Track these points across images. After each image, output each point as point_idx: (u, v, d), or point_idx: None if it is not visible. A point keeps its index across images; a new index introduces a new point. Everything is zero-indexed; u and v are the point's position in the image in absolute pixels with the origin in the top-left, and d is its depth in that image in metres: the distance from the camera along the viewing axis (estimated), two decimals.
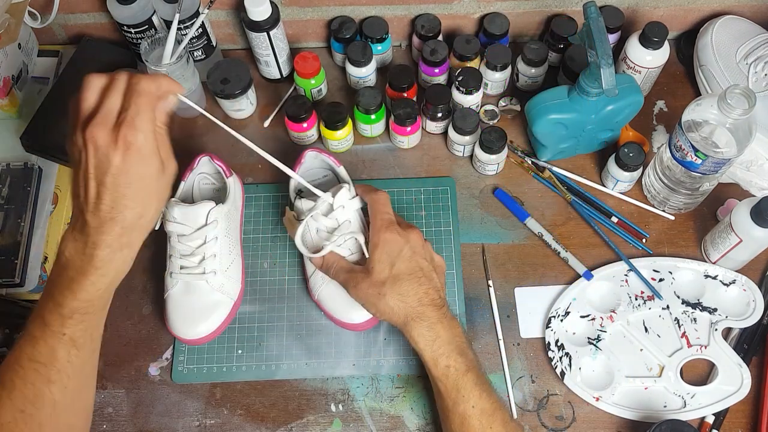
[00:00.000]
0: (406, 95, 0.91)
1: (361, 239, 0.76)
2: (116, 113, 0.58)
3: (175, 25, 0.84)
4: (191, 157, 0.84)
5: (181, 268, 0.79)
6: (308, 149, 0.85)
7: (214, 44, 0.95)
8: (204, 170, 0.87)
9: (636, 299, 0.81)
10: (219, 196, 0.86)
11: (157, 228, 0.80)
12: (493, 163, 0.88)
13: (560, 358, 0.78)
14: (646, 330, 0.80)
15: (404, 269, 0.71)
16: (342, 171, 0.84)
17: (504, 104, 0.95)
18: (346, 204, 0.78)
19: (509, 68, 0.92)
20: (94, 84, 0.60)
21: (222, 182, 0.85)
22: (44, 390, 0.60)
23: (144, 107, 0.59)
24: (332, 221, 0.77)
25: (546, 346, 0.80)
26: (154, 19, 0.89)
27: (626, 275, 0.83)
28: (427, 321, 0.69)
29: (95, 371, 0.67)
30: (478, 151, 0.87)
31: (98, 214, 0.59)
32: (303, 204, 0.78)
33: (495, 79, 0.93)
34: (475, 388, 0.67)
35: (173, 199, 0.80)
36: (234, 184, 0.84)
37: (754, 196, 0.84)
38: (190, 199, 0.85)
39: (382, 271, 0.71)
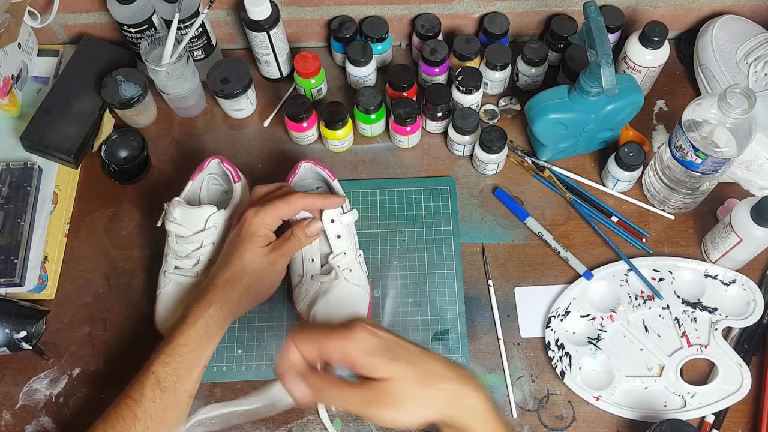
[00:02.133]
0: (406, 95, 0.91)
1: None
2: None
3: (175, 25, 0.84)
4: (193, 157, 0.84)
5: (176, 268, 0.79)
6: (303, 160, 0.82)
7: (214, 44, 0.95)
8: (213, 171, 0.85)
9: (636, 299, 0.81)
10: (227, 198, 0.84)
11: (159, 225, 0.80)
12: (493, 163, 0.88)
13: (560, 357, 0.78)
14: (646, 329, 0.80)
15: None
16: (336, 185, 0.82)
17: (504, 104, 0.95)
18: (335, 218, 0.77)
19: (509, 68, 0.92)
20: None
21: (230, 185, 0.83)
22: (130, 427, 0.65)
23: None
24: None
25: (546, 346, 0.80)
26: (154, 18, 0.89)
27: (626, 275, 0.83)
28: None
29: (179, 424, 0.69)
30: (478, 151, 0.87)
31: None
32: None
33: (495, 79, 0.93)
34: None
35: (177, 198, 0.79)
36: (240, 190, 0.82)
37: (754, 195, 0.84)
38: (196, 201, 0.84)
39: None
